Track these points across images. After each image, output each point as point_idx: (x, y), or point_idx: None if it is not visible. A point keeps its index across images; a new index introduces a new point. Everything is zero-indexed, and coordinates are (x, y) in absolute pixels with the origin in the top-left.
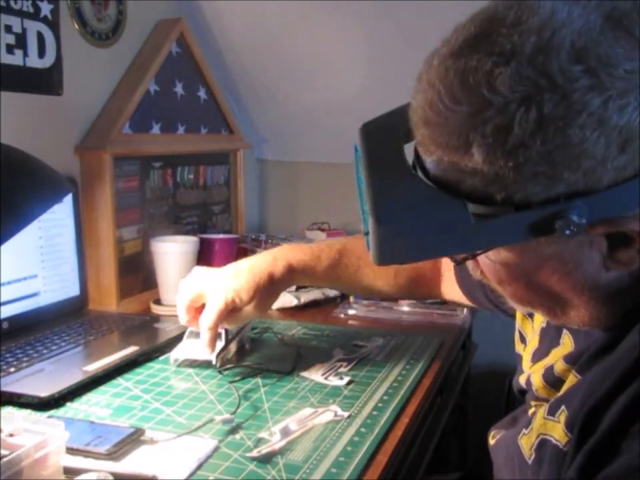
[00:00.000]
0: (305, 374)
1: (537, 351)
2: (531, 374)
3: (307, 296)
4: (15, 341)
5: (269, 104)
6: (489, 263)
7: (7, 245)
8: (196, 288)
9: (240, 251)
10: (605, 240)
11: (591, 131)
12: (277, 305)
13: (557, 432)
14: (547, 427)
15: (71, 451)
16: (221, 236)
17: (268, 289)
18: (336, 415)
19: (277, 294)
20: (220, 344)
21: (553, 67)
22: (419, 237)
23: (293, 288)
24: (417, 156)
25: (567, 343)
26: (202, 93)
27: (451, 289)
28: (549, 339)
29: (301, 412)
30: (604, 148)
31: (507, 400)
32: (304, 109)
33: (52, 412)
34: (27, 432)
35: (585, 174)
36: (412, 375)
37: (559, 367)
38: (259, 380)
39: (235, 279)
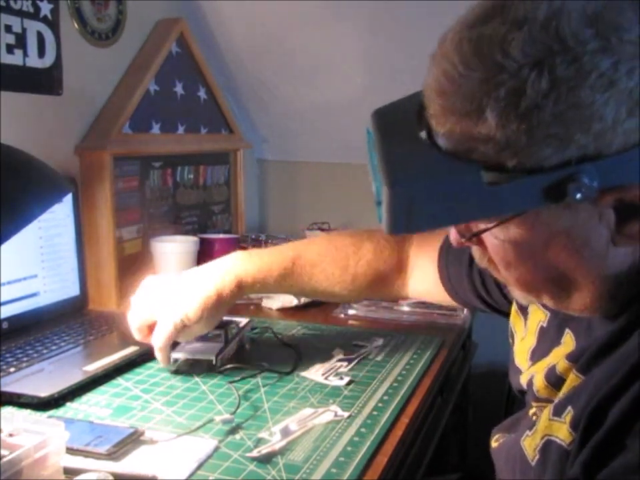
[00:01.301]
0: (304, 374)
1: (536, 350)
2: (534, 374)
3: None
4: (14, 341)
5: (269, 104)
6: (497, 244)
7: (7, 245)
8: (145, 310)
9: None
10: (614, 213)
11: (601, 92)
12: (277, 304)
13: (562, 432)
14: (552, 428)
15: (70, 451)
16: (221, 236)
17: (216, 307)
18: (336, 415)
19: (226, 309)
20: (220, 344)
21: (565, 31)
22: (433, 204)
23: None
24: (429, 133)
25: (568, 342)
26: (202, 93)
27: (420, 287)
28: (550, 339)
29: (300, 412)
30: (614, 110)
31: (506, 400)
32: (304, 108)
33: (52, 412)
34: (26, 432)
35: (595, 137)
36: (412, 375)
37: (561, 365)
38: (258, 380)
39: (182, 299)
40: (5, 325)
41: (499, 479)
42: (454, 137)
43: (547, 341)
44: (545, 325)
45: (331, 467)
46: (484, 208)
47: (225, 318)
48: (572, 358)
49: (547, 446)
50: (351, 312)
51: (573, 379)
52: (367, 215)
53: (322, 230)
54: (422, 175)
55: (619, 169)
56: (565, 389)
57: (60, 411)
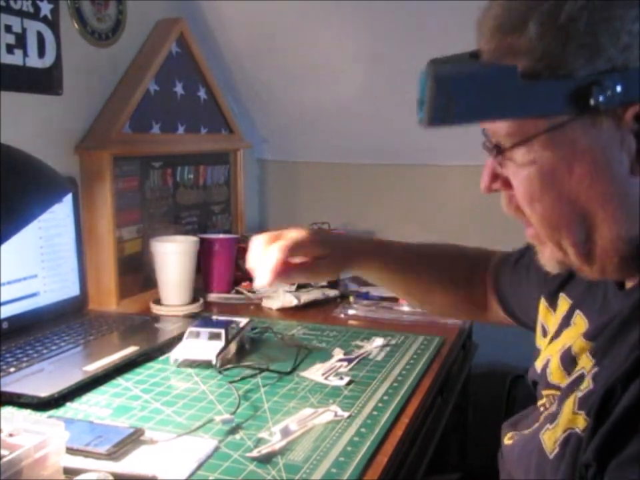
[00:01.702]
0: (304, 374)
1: (554, 336)
2: (550, 358)
3: (307, 296)
4: (15, 341)
5: (269, 104)
6: (523, 175)
7: (7, 245)
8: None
9: (240, 250)
10: (635, 140)
11: (631, 8)
12: (276, 305)
13: (580, 421)
14: (575, 421)
15: (71, 451)
16: (221, 236)
17: (344, 249)
18: (336, 415)
19: (352, 261)
20: (220, 344)
21: None
22: (471, 98)
23: (293, 288)
24: (476, 56)
25: (579, 322)
26: (202, 93)
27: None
28: (562, 322)
29: (300, 412)
30: None
31: (506, 400)
32: (304, 108)
33: (52, 412)
34: (26, 432)
35: (623, 50)
36: (412, 375)
37: (578, 345)
38: (259, 380)
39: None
40: (5, 325)
41: (509, 477)
42: (498, 52)
43: (562, 325)
44: (565, 313)
45: (331, 467)
46: (517, 106)
47: (225, 318)
48: (589, 336)
49: (568, 439)
50: (351, 312)
51: (585, 362)
52: (367, 215)
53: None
54: (463, 73)
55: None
56: (575, 373)
57: (60, 411)
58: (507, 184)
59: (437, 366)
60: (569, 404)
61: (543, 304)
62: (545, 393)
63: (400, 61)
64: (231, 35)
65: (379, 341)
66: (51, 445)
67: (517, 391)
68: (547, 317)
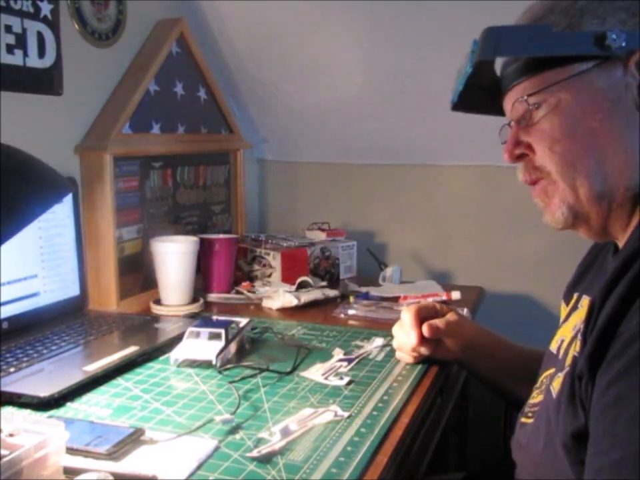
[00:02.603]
0: (304, 374)
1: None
2: (564, 338)
3: (307, 296)
4: (15, 341)
5: (269, 104)
6: (545, 126)
7: (7, 245)
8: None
9: (240, 250)
10: (636, 83)
11: None
12: (276, 305)
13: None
14: (572, 357)
15: (70, 451)
16: (221, 236)
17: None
18: (336, 415)
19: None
20: (220, 344)
21: None
22: (517, 40)
23: (293, 288)
24: None
25: (584, 304)
26: (202, 93)
27: None
28: (572, 309)
29: (300, 412)
30: None
31: (506, 403)
32: (304, 108)
33: (52, 412)
34: (26, 432)
35: (626, 14)
36: (412, 375)
37: (584, 313)
38: (259, 380)
39: None
40: (5, 325)
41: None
42: (536, 17)
43: (571, 311)
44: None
45: (330, 467)
46: (553, 47)
47: (225, 318)
48: (592, 303)
49: (566, 375)
50: (351, 312)
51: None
52: (367, 215)
53: (322, 230)
54: (510, 25)
55: None
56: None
57: (60, 411)
58: (529, 148)
59: (437, 366)
60: (572, 349)
61: (562, 307)
62: (545, 373)
63: (400, 61)
64: (231, 35)
65: (378, 341)
66: (50, 445)
67: None
68: (562, 313)
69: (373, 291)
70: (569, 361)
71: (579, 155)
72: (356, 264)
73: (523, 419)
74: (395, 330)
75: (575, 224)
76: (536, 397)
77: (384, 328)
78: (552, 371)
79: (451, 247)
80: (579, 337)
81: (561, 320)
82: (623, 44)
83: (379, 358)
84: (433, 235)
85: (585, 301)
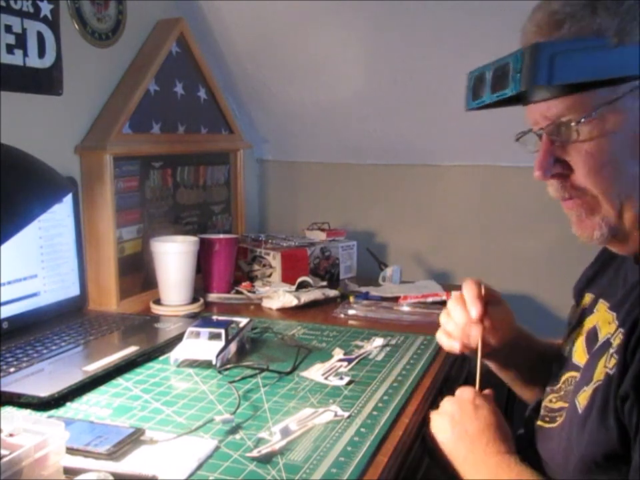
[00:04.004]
0: (304, 374)
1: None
2: (576, 340)
3: (307, 296)
4: (15, 341)
5: (269, 104)
6: (587, 150)
7: (7, 245)
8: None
9: (240, 250)
10: None
11: None
12: (276, 305)
13: (610, 364)
14: (604, 373)
15: (70, 451)
16: (221, 236)
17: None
18: (336, 415)
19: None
20: (220, 344)
21: None
22: (574, 60)
23: (293, 288)
24: None
25: (602, 308)
26: (202, 93)
27: None
28: (585, 311)
29: (300, 412)
30: None
31: (506, 400)
32: (304, 109)
33: (52, 412)
34: (26, 432)
35: None
36: (412, 375)
37: (603, 319)
38: (259, 380)
39: None
40: (5, 325)
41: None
42: (573, 35)
43: (584, 314)
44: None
45: (331, 467)
46: (608, 69)
47: (225, 318)
48: (613, 308)
49: (596, 390)
50: (351, 312)
51: (609, 328)
52: (367, 215)
53: (322, 230)
54: (561, 42)
55: None
56: (600, 342)
57: (60, 411)
58: (567, 167)
59: (437, 366)
60: (602, 362)
61: (572, 305)
62: (564, 377)
63: (400, 61)
64: (231, 35)
65: (378, 341)
66: (50, 445)
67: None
68: (573, 314)
69: (373, 291)
70: (598, 375)
71: (629, 182)
72: (356, 264)
73: (540, 422)
74: (449, 307)
75: (611, 242)
76: (555, 403)
77: (384, 328)
78: (572, 375)
79: (451, 247)
80: (614, 354)
81: (571, 318)
82: None
83: (379, 358)
84: (433, 234)
85: (602, 306)
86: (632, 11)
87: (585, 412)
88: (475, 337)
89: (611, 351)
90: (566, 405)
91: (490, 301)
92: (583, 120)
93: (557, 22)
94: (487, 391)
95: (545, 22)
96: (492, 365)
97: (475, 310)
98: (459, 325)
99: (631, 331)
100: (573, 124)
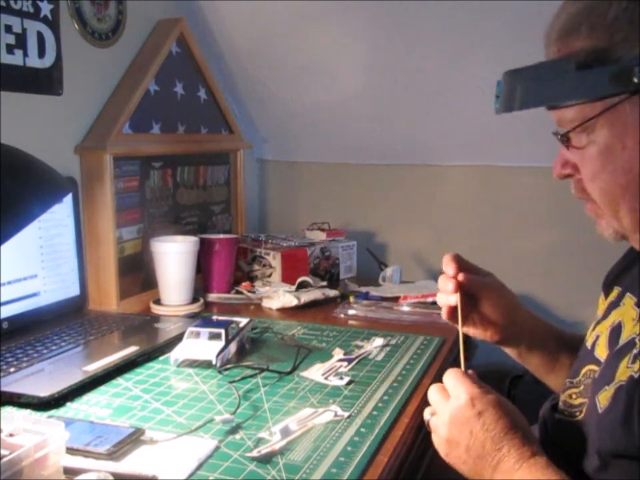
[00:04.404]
0: (304, 374)
1: (600, 319)
2: (599, 334)
3: (307, 296)
4: (15, 341)
5: (269, 104)
6: (585, 156)
7: (7, 245)
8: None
9: (240, 250)
10: None
11: None
12: (276, 305)
13: (634, 368)
14: (625, 374)
15: (71, 451)
16: (221, 236)
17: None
18: (336, 415)
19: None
20: (220, 344)
21: None
22: (533, 86)
23: (293, 288)
24: None
25: (628, 302)
26: (202, 93)
27: None
28: (611, 305)
29: (301, 412)
30: None
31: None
32: (304, 109)
33: (52, 412)
34: (26, 432)
35: None
36: (412, 375)
37: (628, 316)
38: (259, 380)
39: None
40: (5, 325)
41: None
42: (560, 52)
43: (610, 307)
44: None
45: (331, 467)
46: (572, 92)
47: (225, 318)
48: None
49: (619, 391)
50: (351, 312)
51: (635, 328)
52: (367, 215)
53: (322, 230)
54: (527, 68)
55: None
56: (623, 340)
57: (60, 411)
58: (576, 168)
59: (437, 366)
60: (624, 363)
61: (601, 298)
62: (584, 370)
63: (400, 61)
64: (231, 35)
65: (378, 341)
66: (50, 445)
67: (516, 391)
68: (600, 307)
69: (373, 291)
70: (621, 376)
71: (619, 191)
72: (356, 264)
73: (559, 416)
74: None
75: (626, 240)
76: (575, 399)
77: (384, 328)
78: (591, 368)
79: (451, 247)
80: (638, 355)
81: (599, 313)
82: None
83: (379, 358)
84: (433, 235)
85: (630, 300)
86: (608, 34)
87: (606, 412)
88: (454, 301)
89: (635, 351)
90: (585, 400)
91: (476, 270)
92: (577, 130)
93: (550, 40)
94: (470, 372)
95: (546, 35)
96: (512, 352)
97: (450, 269)
98: (443, 287)
99: None
100: (571, 133)
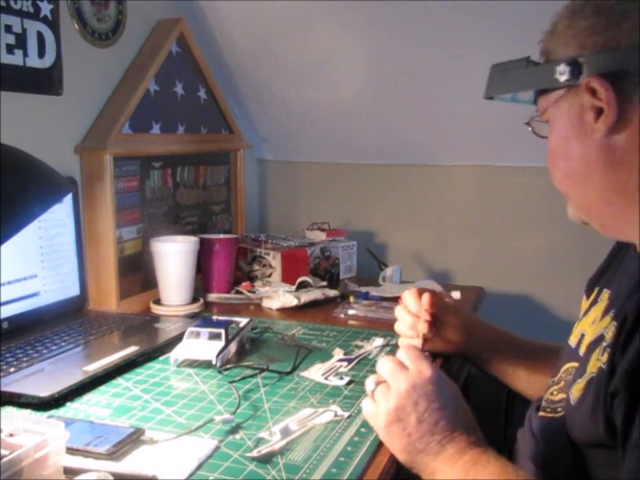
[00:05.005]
0: (304, 374)
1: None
2: (584, 332)
3: (307, 296)
4: (15, 341)
5: (269, 104)
6: (551, 143)
7: (7, 245)
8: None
9: (240, 250)
10: (590, 106)
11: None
12: (276, 305)
13: (603, 359)
14: (596, 366)
15: (71, 451)
16: (221, 236)
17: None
18: (336, 415)
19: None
20: (220, 344)
21: None
22: (496, 79)
23: (293, 288)
24: None
25: (604, 297)
26: (202, 93)
27: None
28: (592, 302)
29: (301, 412)
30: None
31: (506, 400)
32: (304, 108)
33: (52, 412)
34: (26, 432)
35: (580, 46)
36: None
37: (604, 305)
38: (259, 380)
39: None
40: (5, 325)
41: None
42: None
43: (591, 305)
44: None
45: (331, 467)
46: (527, 81)
47: (225, 318)
48: (611, 298)
49: (589, 383)
50: (351, 312)
51: (606, 321)
52: (367, 215)
53: (322, 230)
54: (502, 63)
55: (594, 66)
56: (597, 333)
57: (60, 411)
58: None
59: (436, 366)
60: (595, 355)
61: (583, 300)
62: (564, 367)
63: (400, 61)
64: (231, 35)
65: (378, 341)
66: (50, 445)
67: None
68: (582, 307)
69: (373, 291)
70: (592, 368)
71: (563, 177)
72: (356, 264)
73: (542, 413)
74: (397, 312)
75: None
76: (556, 395)
77: (384, 328)
78: (572, 365)
79: (451, 247)
80: (606, 347)
81: (581, 313)
82: (567, 77)
83: (379, 358)
84: (433, 235)
85: (605, 295)
86: (565, 34)
87: (577, 404)
88: (423, 330)
89: (604, 344)
90: (565, 395)
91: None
92: (536, 119)
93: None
94: (427, 354)
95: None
96: (475, 362)
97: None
98: (407, 323)
99: (622, 325)
100: (531, 122)
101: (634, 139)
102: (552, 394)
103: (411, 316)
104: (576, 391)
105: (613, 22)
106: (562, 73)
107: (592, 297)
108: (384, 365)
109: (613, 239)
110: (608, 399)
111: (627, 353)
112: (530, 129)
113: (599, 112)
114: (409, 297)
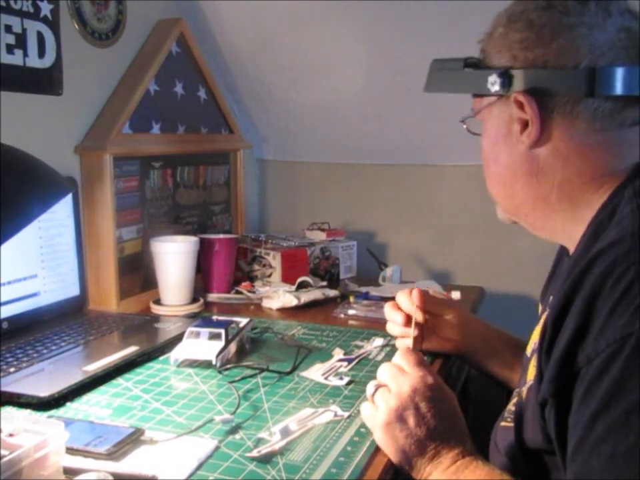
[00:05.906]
0: (304, 374)
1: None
2: (536, 341)
3: (307, 296)
4: (15, 341)
5: (269, 104)
6: (483, 144)
7: (7, 245)
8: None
9: (240, 250)
10: (518, 118)
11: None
12: (276, 305)
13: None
14: (534, 373)
15: (71, 451)
16: (221, 236)
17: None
18: (336, 415)
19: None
20: (220, 344)
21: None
22: (441, 77)
23: (293, 288)
24: None
25: (544, 319)
26: (202, 93)
27: None
28: (541, 311)
29: (301, 412)
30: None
31: (506, 400)
32: (304, 108)
33: (52, 412)
34: (26, 432)
35: (514, 58)
36: None
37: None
38: (259, 380)
39: None
40: (5, 325)
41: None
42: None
43: (541, 314)
44: None
45: (331, 467)
46: (462, 83)
47: (225, 318)
48: (543, 302)
49: (529, 391)
50: (351, 312)
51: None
52: (367, 215)
53: (322, 230)
54: (441, 60)
55: (522, 81)
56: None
57: (60, 411)
58: None
59: (436, 366)
60: (532, 363)
61: (540, 307)
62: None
63: (399, 61)
64: (231, 35)
65: (378, 341)
66: (50, 445)
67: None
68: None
69: (373, 291)
70: (529, 376)
71: (493, 180)
72: (356, 264)
73: (503, 423)
74: (387, 312)
75: (515, 222)
76: (514, 405)
77: (384, 328)
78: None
79: (451, 247)
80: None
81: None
82: (498, 88)
83: (379, 358)
84: (433, 235)
85: (544, 317)
86: (500, 43)
87: (523, 412)
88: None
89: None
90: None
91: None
92: (470, 118)
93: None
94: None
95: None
96: (471, 362)
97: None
98: (398, 324)
99: (544, 332)
100: (466, 120)
101: (555, 153)
102: (513, 405)
103: (401, 315)
104: (524, 395)
105: (543, 40)
106: (493, 83)
107: (544, 303)
108: (384, 370)
109: (546, 239)
110: (538, 408)
111: (550, 360)
112: (465, 126)
113: (525, 124)
114: (402, 296)
